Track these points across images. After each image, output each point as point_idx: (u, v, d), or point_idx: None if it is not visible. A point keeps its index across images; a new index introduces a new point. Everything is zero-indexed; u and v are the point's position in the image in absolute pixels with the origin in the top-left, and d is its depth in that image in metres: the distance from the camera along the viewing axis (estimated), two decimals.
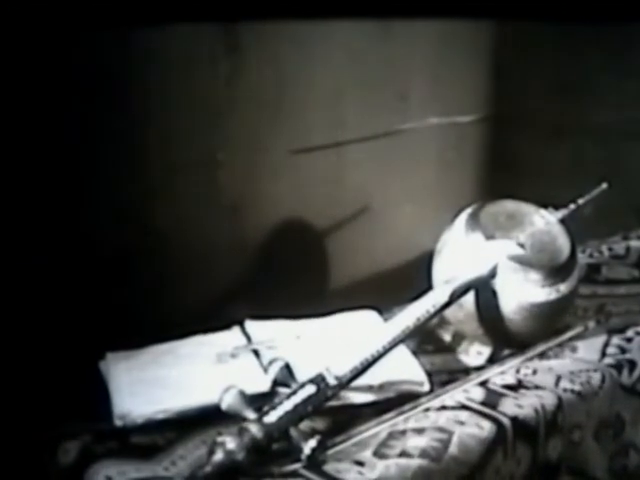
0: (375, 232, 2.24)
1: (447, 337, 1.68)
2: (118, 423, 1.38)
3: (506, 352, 1.62)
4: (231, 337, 1.62)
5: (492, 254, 1.54)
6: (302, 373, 1.40)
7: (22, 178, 1.60)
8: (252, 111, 1.95)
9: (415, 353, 1.56)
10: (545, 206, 1.68)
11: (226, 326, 1.68)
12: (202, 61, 1.86)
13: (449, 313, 1.55)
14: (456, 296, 1.48)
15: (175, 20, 1.75)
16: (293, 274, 2.06)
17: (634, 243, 2.12)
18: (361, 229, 2.21)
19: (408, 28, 2.24)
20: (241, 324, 1.66)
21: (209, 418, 1.38)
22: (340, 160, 2.17)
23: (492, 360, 1.61)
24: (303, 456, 1.27)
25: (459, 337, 1.66)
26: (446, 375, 1.55)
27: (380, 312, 1.70)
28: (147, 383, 1.46)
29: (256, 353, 1.55)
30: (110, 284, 1.76)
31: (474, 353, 1.63)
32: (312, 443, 1.27)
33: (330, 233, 2.15)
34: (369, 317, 1.69)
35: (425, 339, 1.66)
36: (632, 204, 2.44)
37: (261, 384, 1.43)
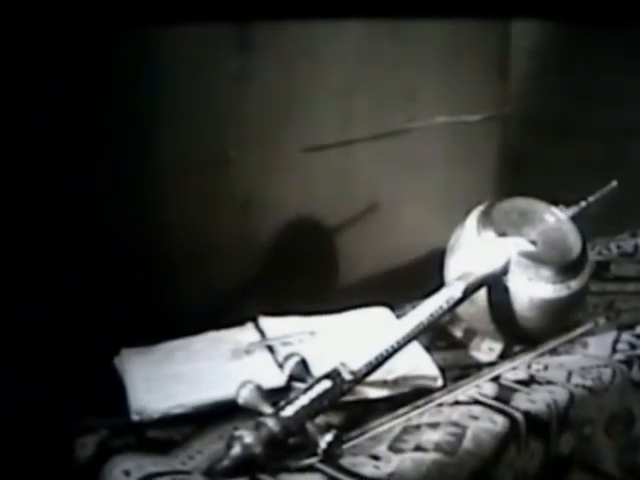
0: (384, 230, 2.25)
1: (458, 333, 1.70)
2: (135, 418, 1.39)
3: (517, 348, 1.64)
4: (245, 333, 1.63)
5: (504, 251, 1.55)
6: (317, 369, 1.41)
7: (35, 175, 1.61)
8: (263, 109, 1.96)
9: (427, 349, 1.58)
10: (555, 203, 1.69)
11: (237, 323, 1.69)
12: (214, 60, 1.86)
13: (461, 309, 1.56)
14: (469, 292, 1.49)
15: (187, 20, 1.76)
16: (303, 271, 2.07)
17: None
18: (370, 227, 2.22)
19: (416, 28, 2.25)
20: (254, 320, 1.67)
21: (225, 413, 1.40)
22: (350, 158, 2.17)
23: (503, 356, 1.62)
24: (319, 450, 1.28)
25: (471, 333, 1.67)
26: (458, 371, 1.56)
27: (392, 309, 1.71)
28: (163, 378, 1.47)
29: (270, 349, 1.57)
30: (123, 282, 1.76)
31: (486, 349, 1.64)
32: (328, 437, 1.28)
33: (340, 230, 2.16)
34: (382, 314, 1.70)
35: (437, 335, 1.67)
36: (637, 203, 2.45)
37: (276, 379, 1.44)
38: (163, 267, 1.83)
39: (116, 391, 1.47)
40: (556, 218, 1.66)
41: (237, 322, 1.70)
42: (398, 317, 1.64)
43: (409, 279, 2.17)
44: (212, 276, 1.91)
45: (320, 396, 1.32)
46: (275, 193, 2.02)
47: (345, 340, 1.57)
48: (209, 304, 1.89)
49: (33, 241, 1.60)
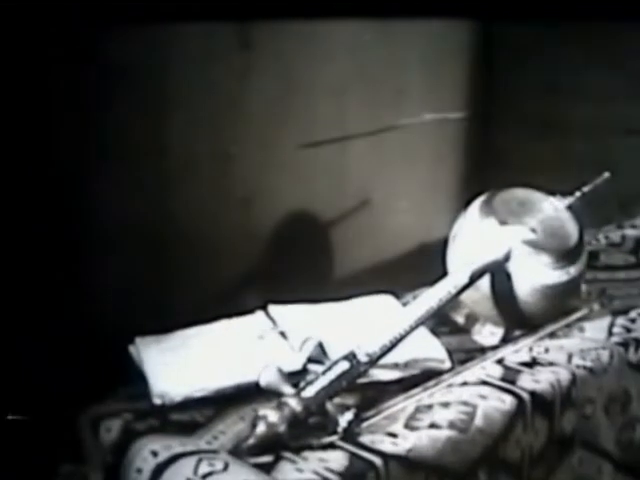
0: (376, 222, 2.31)
1: (460, 319, 1.75)
2: (157, 402, 1.43)
3: (517, 332, 1.69)
4: (256, 320, 1.67)
5: (506, 239, 1.61)
6: (329, 353, 1.46)
7: (54, 169, 1.64)
8: (263, 107, 2.01)
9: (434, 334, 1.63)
10: (552, 193, 1.75)
11: (241, 313, 1.73)
12: (217, 59, 1.91)
13: (465, 296, 1.60)
14: (475, 278, 1.55)
15: (191, 19, 1.80)
16: (300, 262, 2.12)
17: (629, 232, 2.21)
18: (363, 220, 2.27)
19: (405, 28, 2.31)
20: (264, 308, 1.71)
21: (242, 395, 1.44)
22: (344, 154, 2.23)
23: (504, 340, 1.68)
24: (339, 429, 1.33)
25: (472, 319, 1.73)
26: (463, 354, 1.62)
27: (397, 296, 1.77)
28: (182, 363, 1.51)
29: (283, 335, 1.61)
30: (132, 275, 1.80)
31: (487, 334, 1.70)
32: (348, 416, 1.33)
33: (334, 223, 2.22)
34: (387, 300, 1.75)
35: (440, 322, 1.72)
36: (616, 196, 2.51)
37: (293, 362, 1.49)
38: (167, 260, 1.87)
39: (131, 378, 1.51)
40: (554, 207, 1.72)
41: (240, 312, 1.73)
42: (402, 304, 1.71)
43: (399, 268, 2.23)
44: (214, 268, 1.95)
45: (338, 377, 1.37)
46: (274, 188, 2.08)
47: (354, 326, 1.62)
48: (210, 294, 1.93)
49: (55, 236, 1.63)
